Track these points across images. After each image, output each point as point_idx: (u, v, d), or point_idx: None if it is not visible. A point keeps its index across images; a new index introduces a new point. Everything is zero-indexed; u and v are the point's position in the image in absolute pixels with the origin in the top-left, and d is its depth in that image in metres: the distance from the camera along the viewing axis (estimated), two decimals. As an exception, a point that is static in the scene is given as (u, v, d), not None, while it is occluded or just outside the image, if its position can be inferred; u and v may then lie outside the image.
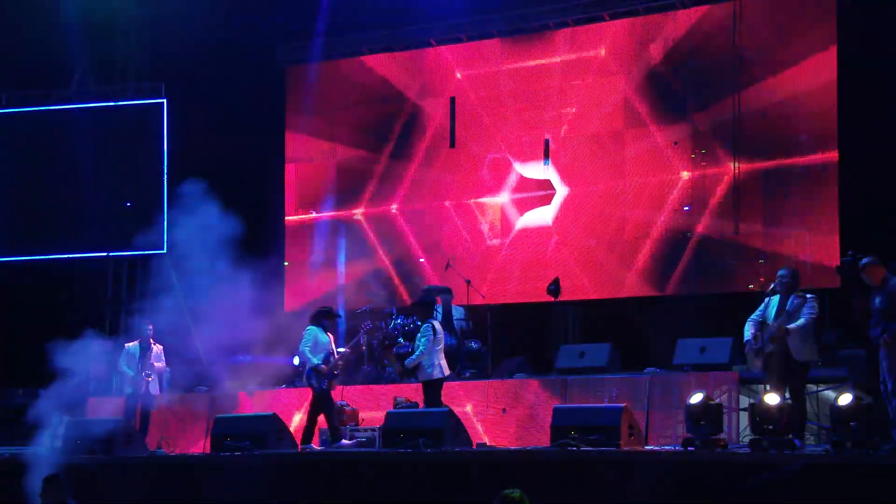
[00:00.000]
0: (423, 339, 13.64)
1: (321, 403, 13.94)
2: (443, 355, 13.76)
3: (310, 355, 13.92)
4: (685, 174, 16.69)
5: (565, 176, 17.53)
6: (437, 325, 13.80)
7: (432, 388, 13.75)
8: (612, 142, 17.23)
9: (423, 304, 14.19)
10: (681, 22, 16.82)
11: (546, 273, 17.10)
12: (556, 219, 17.54)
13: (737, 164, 16.25)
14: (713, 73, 16.56)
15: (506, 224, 17.91)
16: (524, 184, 17.80)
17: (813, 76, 15.84)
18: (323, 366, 13.84)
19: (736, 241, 16.23)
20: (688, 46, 16.76)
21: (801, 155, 15.90)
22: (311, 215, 19.14)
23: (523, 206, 17.81)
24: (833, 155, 15.64)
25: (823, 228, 15.65)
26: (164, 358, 15.63)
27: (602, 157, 17.31)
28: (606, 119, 17.29)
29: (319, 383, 13.88)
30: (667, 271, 16.71)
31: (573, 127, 17.52)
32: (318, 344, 13.99)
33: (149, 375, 15.34)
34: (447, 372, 13.86)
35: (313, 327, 14.13)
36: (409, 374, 14.12)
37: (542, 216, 17.66)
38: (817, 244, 15.66)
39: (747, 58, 16.28)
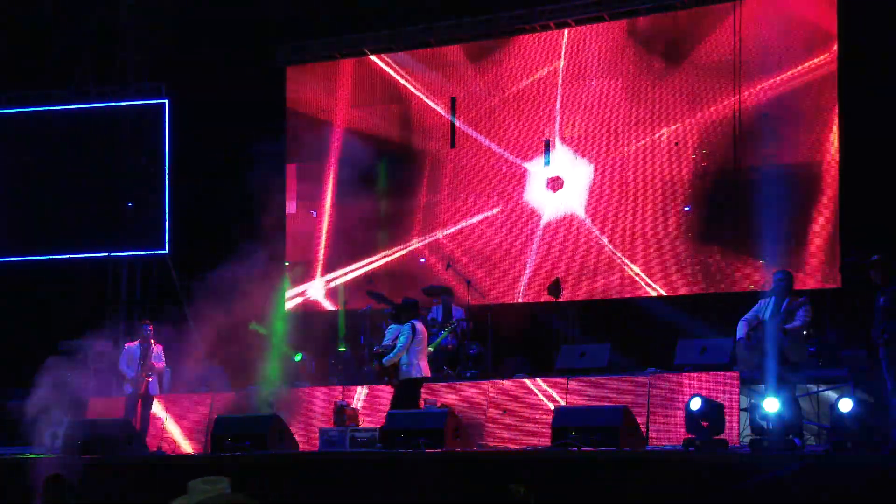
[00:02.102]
0: (401, 338, 13.68)
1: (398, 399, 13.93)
2: (423, 356, 13.73)
3: (391, 352, 13.91)
4: (686, 174, 16.69)
5: (566, 177, 17.52)
6: (418, 325, 13.78)
7: (407, 388, 13.75)
8: (613, 142, 17.24)
9: (406, 306, 14.17)
10: (681, 21, 16.83)
11: (547, 274, 17.13)
12: (557, 219, 17.55)
13: (737, 167, 16.26)
14: (714, 73, 16.56)
15: (506, 224, 17.90)
16: (525, 184, 17.80)
17: (814, 77, 15.86)
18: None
19: (736, 242, 16.24)
20: (688, 46, 16.77)
21: (801, 155, 15.92)
22: (311, 215, 19.14)
23: (524, 206, 17.81)
24: (834, 156, 15.65)
25: (824, 230, 15.67)
26: (164, 358, 15.63)
27: (602, 157, 17.31)
28: (607, 119, 17.29)
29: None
30: (667, 271, 16.72)
31: (574, 127, 17.52)
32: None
33: (149, 376, 15.33)
34: (427, 373, 13.79)
35: (394, 325, 14.12)
36: (389, 374, 14.11)
37: (542, 217, 17.66)
38: (818, 245, 15.67)
39: (748, 58, 16.28)
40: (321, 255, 18.93)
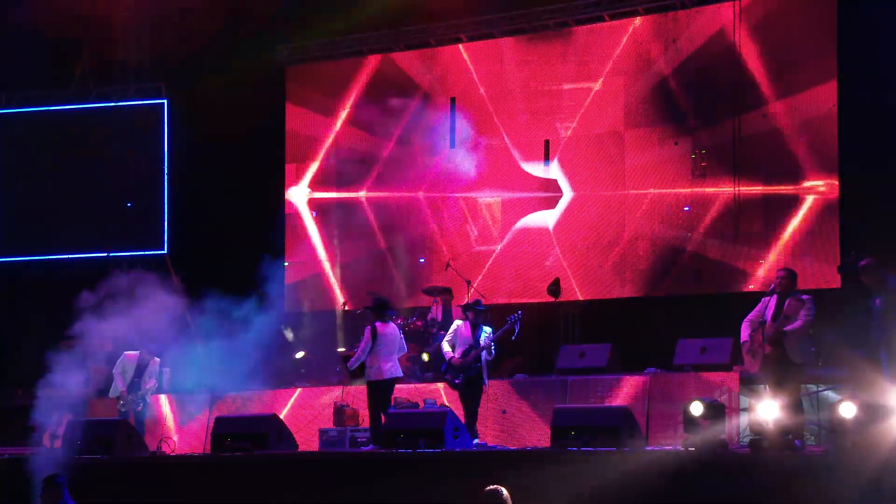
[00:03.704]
0: (362, 342, 13.67)
1: (461, 398, 13.78)
2: (388, 358, 13.63)
3: (446, 348, 13.82)
4: (686, 176, 16.70)
5: (566, 177, 17.53)
6: (380, 327, 13.70)
7: (369, 390, 13.72)
8: (614, 143, 17.24)
9: (373, 308, 14.09)
10: (681, 23, 16.84)
11: (546, 274, 17.13)
12: (558, 220, 17.55)
13: (737, 166, 16.30)
14: (713, 84, 16.59)
15: (506, 224, 17.91)
16: (525, 184, 17.81)
17: (813, 77, 15.89)
18: (457, 359, 13.69)
19: (736, 242, 16.26)
20: (690, 53, 16.77)
21: (801, 155, 15.96)
22: (311, 215, 19.16)
23: (524, 206, 17.82)
24: (833, 155, 15.69)
25: (824, 229, 15.71)
26: (157, 373, 15.42)
27: (603, 158, 17.32)
28: (608, 121, 17.29)
29: (454, 377, 13.73)
30: (667, 272, 16.73)
31: (574, 128, 17.52)
32: (460, 337, 13.82)
33: (138, 405, 15.18)
34: (388, 375, 13.64)
35: (459, 321, 14.05)
36: (358, 376, 14.09)
37: (543, 217, 17.67)
38: (818, 245, 15.70)
39: (747, 59, 16.31)
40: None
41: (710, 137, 16.56)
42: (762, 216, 16.20)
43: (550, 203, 17.62)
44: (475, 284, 17.04)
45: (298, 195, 19.23)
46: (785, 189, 16.07)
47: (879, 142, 15.21)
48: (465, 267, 17.42)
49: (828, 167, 15.76)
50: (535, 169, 17.74)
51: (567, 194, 17.51)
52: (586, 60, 17.51)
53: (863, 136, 15.39)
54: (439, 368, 15.32)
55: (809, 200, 15.88)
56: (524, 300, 17.31)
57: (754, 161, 16.25)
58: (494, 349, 13.80)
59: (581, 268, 17.27)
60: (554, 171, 17.60)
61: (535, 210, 17.72)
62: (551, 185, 17.61)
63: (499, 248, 17.91)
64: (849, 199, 15.55)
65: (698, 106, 16.68)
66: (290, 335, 17.19)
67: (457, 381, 13.71)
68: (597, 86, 17.37)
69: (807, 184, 15.92)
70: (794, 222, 15.95)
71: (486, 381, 13.80)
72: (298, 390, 15.81)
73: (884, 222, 14.71)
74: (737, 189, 16.27)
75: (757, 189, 16.22)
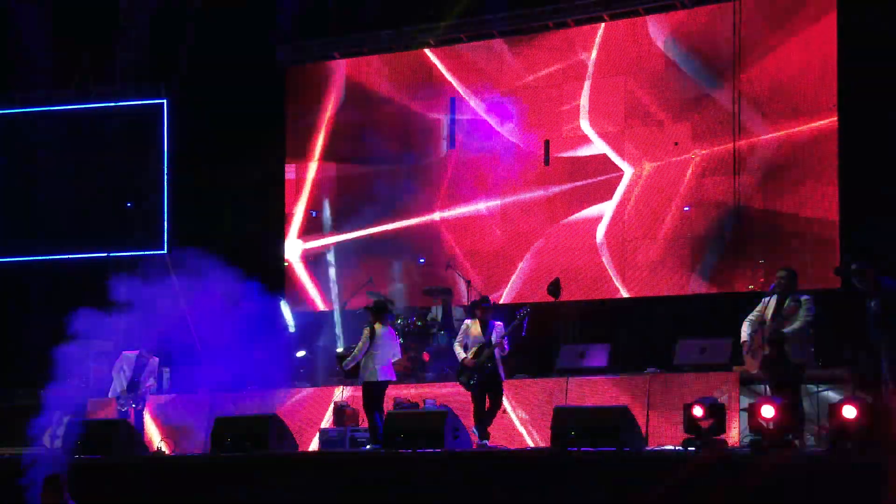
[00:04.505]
0: (359, 343, 13.65)
1: (473, 399, 13.68)
2: (385, 360, 13.59)
3: (458, 350, 13.74)
4: (686, 175, 16.71)
5: (566, 176, 17.54)
6: (378, 328, 13.66)
7: (364, 390, 13.72)
8: (613, 143, 17.24)
9: (372, 309, 14.06)
10: (682, 22, 16.85)
11: (546, 273, 17.13)
12: (557, 219, 17.56)
13: (736, 166, 16.30)
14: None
15: (504, 224, 17.91)
16: (525, 185, 17.80)
17: (813, 76, 15.91)
18: (469, 360, 13.59)
19: (736, 241, 16.28)
20: (690, 51, 16.78)
21: (800, 155, 15.97)
22: (311, 215, 19.16)
23: (523, 205, 17.82)
24: (832, 155, 15.70)
25: (823, 230, 15.73)
26: (156, 373, 15.44)
27: (603, 157, 17.31)
28: (608, 120, 17.29)
29: (468, 379, 13.63)
30: (667, 272, 16.73)
31: (574, 128, 17.52)
32: (469, 337, 13.70)
33: (138, 404, 15.20)
34: (382, 378, 13.59)
35: (467, 320, 13.97)
36: (352, 376, 14.04)
37: (542, 216, 17.68)
38: (817, 245, 15.71)
39: (747, 56, 16.33)
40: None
41: (710, 135, 16.56)
42: (762, 215, 16.20)
43: (550, 203, 17.63)
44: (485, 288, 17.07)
45: (298, 195, 19.24)
46: (785, 188, 16.09)
47: (884, 149, 15.21)
48: (469, 269, 17.43)
49: (828, 167, 15.77)
50: (534, 169, 17.74)
51: (566, 193, 17.51)
52: (586, 59, 17.50)
53: (865, 142, 15.40)
54: (440, 369, 15.33)
55: (810, 201, 15.90)
56: (524, 300, 17.34)
57: (754, 160, 16.26)
58: (508, 345, 13.71)
59: (581, 268, 17.26)
60: (554, 171, 17.60)
61: (536, 211, 17.72)
62: (551, 185, 17.62)
63: (495, 243, 17.95)
64: (850, 199, 15.56)
65: (698, 104, 16.67)
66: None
67: (472, 383, 13.63)
68: (595, 85, 17.37)
69: (807, 184, 15.94)
70: (795, 222, 15.96)
71: (503, 377, 13.68)
72: (299, 390, 15.81)
73: (884, 223, 14.73)
74: (737, 189, 16.28)
75: (757, 188, 16.23)
